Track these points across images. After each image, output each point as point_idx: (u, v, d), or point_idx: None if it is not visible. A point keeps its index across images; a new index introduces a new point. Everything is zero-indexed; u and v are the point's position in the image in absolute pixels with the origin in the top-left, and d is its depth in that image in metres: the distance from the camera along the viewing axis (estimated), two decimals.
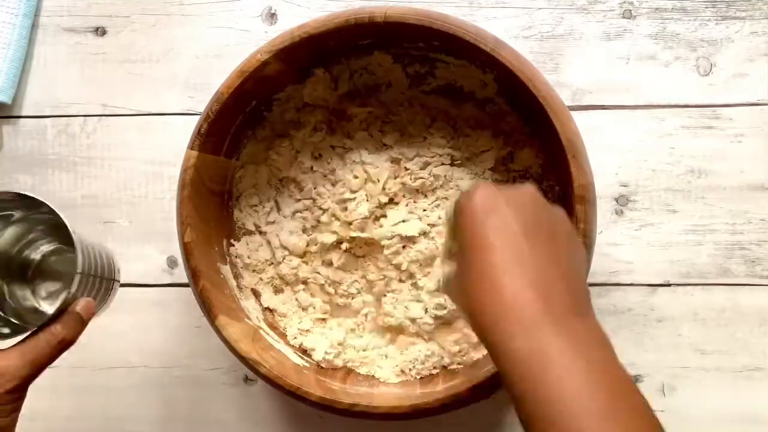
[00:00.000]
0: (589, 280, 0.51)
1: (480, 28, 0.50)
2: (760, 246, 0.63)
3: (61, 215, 0.45)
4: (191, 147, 0.53)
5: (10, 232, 0.51)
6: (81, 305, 0.46)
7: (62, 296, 0.45)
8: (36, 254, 0.53)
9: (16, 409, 0.45)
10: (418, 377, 0.56)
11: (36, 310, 0.52)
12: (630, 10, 0.64)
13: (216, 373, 0.65)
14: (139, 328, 0.66)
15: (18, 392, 0.44)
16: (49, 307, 0.52)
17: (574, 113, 0.50)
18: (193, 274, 0.53)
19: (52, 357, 0.45)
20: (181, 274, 0.61)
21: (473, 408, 0.51)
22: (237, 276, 0.58)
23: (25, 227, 0.51)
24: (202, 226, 0.54)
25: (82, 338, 0.66)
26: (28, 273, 0.53)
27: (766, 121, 0.63)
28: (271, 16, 0.66)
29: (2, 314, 0.50)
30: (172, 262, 0.65)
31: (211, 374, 0.65)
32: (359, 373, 0.57)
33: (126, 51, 0.66)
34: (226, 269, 0.57)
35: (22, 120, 0.67)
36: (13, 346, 0.45)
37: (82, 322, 0.46)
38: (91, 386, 0.66)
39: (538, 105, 0.49)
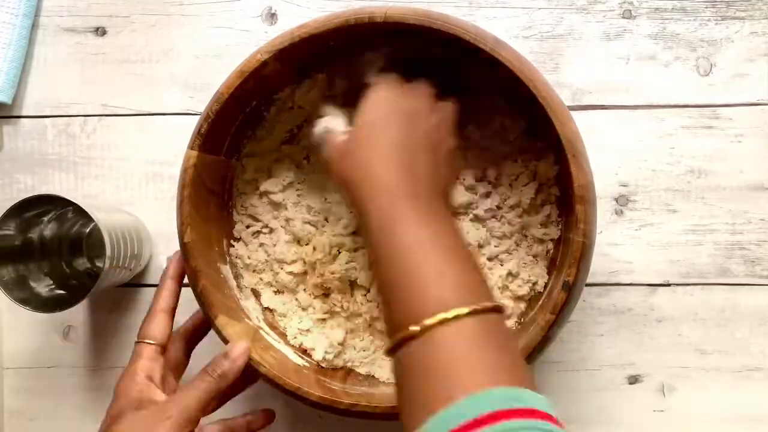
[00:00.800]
0: (589, 280, 0.51)
1: (480, 28, 0.50)
2: (760, 246, 0.63)
3: (86, 208, 0.55)
4: (191, 147, 0.53)
5: (54, 223, 0.62)
6: (237, 351, 0.51)
7: (104, 258, 0.56)
8: (85, 229, 0.65)
9: None
10: None
11: (91, 272, 0.65)
12: (630, 10, 0.64)
13: None
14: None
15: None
16: (100, 265, 0.64)
17: (574, 113, 0.50)
18: (193, 274, 0.53)
19: (216, 391, 0.51)
20: None
21: None
22: (237, 276, 0.58)
23: (64, 217, 0.62)
24: (202, 226, 0.54)
25: (82, 338, 0.66)
26: (81, 245, 0.65)
27: (766, 121, 0.63)
28: (271, 16, 0.66)
29: (62, 285, 0.62)
30: None
31: None
32: (359, 373, 0.57)
33: (126, 51, 0.66)
34: (226, 269, 0.57)
35: (22, 120, 0.67)
36: (186, 389, 0.50)
37: (238, 368, 0.51)
38: (91, 386, 0.66)
39: (538, 105, 0.49)
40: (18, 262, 0.58)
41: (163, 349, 0.54)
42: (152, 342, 0.53)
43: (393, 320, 0.42)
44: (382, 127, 0.48)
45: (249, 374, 0.53)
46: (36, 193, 0.56)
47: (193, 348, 0.57)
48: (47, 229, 0.61)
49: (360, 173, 0.46)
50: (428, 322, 0.39)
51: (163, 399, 0.51)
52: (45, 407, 0.66)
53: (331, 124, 0.52)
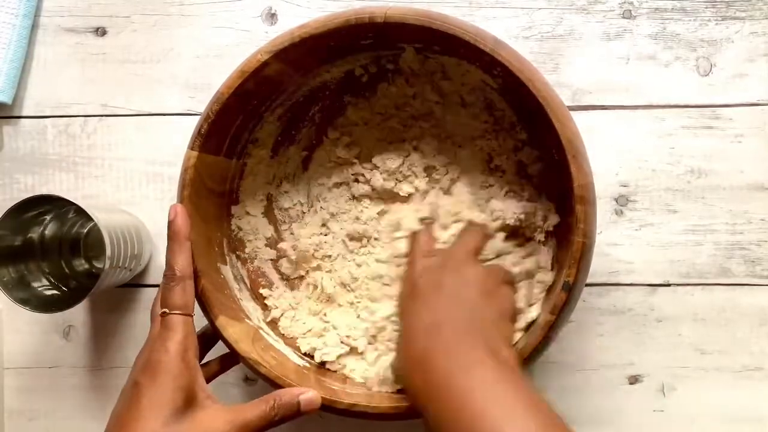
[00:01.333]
0: (589, 280, 0.51)
1: (480, 29, 0.50)
2: (760, 246, 0.63)
3: (86, 209, 0.55)
4: (191, 147, 0.53)
5: (53, 224, 0.62)
6: (307, 400, 0.50)
7: (104, 259, 0.55)
8: (83, 229, 0.65)
9: None
10: None
11: (91, 272, 0.65)
12: (630, 10, 0.64)
13: None
14: (140, 328, 0.66)
15: None
16: (99, 266, 0.65)
17: (574, 113, 0.50)
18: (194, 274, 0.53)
19: (266, 427, 0.48)
20: None
21: None
22: (237, 276, 0.58)
23: (64, 217, 0.62)
24: (202, 226, 0.54)
25: (82, 338, 0.66)
26: (81, 245, 0.65)
27: (766, 121, 0.63)
28: (272, 16, 0.66)
29: (61, 285, 0.61)
30: None
31: None
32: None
33: (126, 51, 0.66)
34: (226, 269, 0.57)
35: (22, 120, 0.67)
36: (248, 406, 0.48)
37: (299, 411, 0.50)
38: (90, 386, 0.66)
39: (538, 105, 0.49)
40: (18, 262, 0.58)
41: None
42: (182, 313, 0.49)
43: None
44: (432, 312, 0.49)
45: (231, 357, 0.52)
46: (36, 194, 0.56)
47: (205, 353, 0.55)
48: (47, 229, 0.61)
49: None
50: None
51: (210, 398, 0.48)
52: (45, 407, 0.66)
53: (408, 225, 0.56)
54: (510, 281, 0.53)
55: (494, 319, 0.49)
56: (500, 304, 0.50)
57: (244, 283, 0.59)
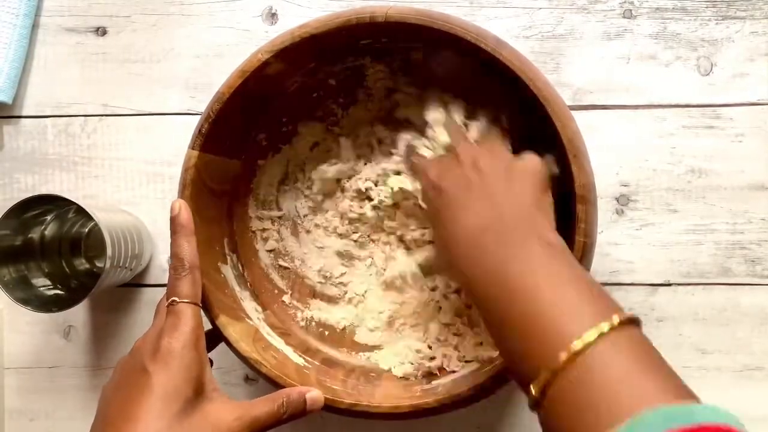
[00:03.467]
0: None
1: (481, 28, 0.50)
2: (761, 246, 0.63)
3: (87, 208, 0.55)
4: (192, 147, 0.53)
5: (54, 223, 0.62)
6: (312, 398, 0.50)
7: (105, 258, 0.55)
8: (84, 229, 0.65)
9: None
10: (419, 374, 0.56)
11: (91, 272, 0.65)
12: (630, 10, 0.64)
13: (216, 372, 0.65)
14: (140, 328, 0.66)
15: None
16: (100, 266, 0.64)
17: (574, 113, 0.50)
18: None
19: (273, 425, 0.48)
20: None
21: (473, 407, 0.51)
22: (238, 276, 0.58)
23: (65, 217, 0.62)
24: (203, 226, 0.54)
25: (82, 338, 0.66)
26: (81, 245, 0.65)
27: (766, 120, 0.63)
28: (272, 16, 0.66)
29: (62, 285, 0.61)
30: None
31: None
32: (360, 372, 0.57)
33: (126, 51, 0.66)
34: (226, 269, 0.57)
35: (22, 120, 0.67)
36: (255, 402, 0.48)
37: (305, 410, 0.49)
38: (91, 386, 0.66)
39: (539, 105, 0.49)
40: (18, 262, 0.58)
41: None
42: (192, 302, 0.48)
43: (529, 365, 0.39)
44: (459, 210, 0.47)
45: (214, 338, 0.52)
46: (36, 193, 0.56)
47: (209, 351, 0.52)
48: (48, 228, 0.61)
49: (460, 230, 0.46)
50: (575, 347, 0.37)
51: (216, 390, 0.47)
52: (45, 407, 0.66)
53: (417, 144, 0.55)
54: (540, 165, 0.49)
55: (532, 204, 0.47)
56: (534, 188, 0.48)
57: (245, 283, 0.59)
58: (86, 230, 0.65)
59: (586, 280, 0.41)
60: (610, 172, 0.63)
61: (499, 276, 0.42)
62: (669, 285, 0.63)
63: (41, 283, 0.60)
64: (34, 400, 0.66)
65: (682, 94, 0.63)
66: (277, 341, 0.56)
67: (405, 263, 0.59)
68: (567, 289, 0.40)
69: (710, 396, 0.62)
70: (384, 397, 0.53)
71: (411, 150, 0.56)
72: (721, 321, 0.63)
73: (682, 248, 0.63)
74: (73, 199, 0.56)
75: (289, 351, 0.56)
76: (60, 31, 0.67)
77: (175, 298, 0.48)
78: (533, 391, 0.38)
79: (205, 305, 0.52)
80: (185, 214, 0.50)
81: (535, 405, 0.38)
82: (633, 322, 0.38)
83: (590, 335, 0.37)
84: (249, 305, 0.57)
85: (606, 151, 0.63)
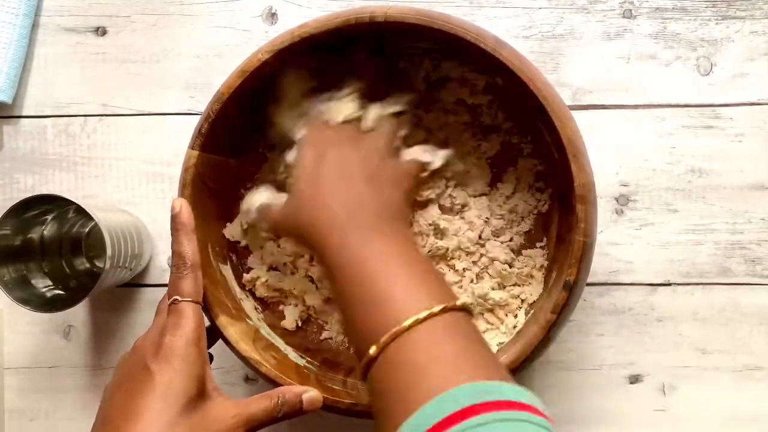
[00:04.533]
0: (590, 279, 0.52)
1: (481, 28, 0.50)
2: (761, 245, 0.63)
3: (87, 208, 0.55)
4: (192, 147, 0.53)
5: (54, 223, 0.62)
6: (309, 398, 0.50)
7: (105, 258, 0.55)
8: (84, 229, 0.65)
9: None
10: None
11: (91, 272, 0.65)
12: (630, 10, 0.64)
13: (216, 372, 0.65)
14: (139, 328, 0.66)
15: None
16: (100, 266, 0.64)
17: (574, 113, 0.50)
18: None
19: (269, 422, 0.48)
20: None
21: None
22: (238, 276, 0.59)
23: (65, 217, 0.62)
24: (203, 225, 0.54)
25: (82, 338, 0.66)
26: (81, 244, 0.65)
27: (766, 120, 0.63)
28: (272, 16, 0.66)
29: (62, 285, 0.61)
30: None
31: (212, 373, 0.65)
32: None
33: (126, 51, 0.66)
34: (226, 269, 0.57)
35: (22, 120, 0.67)
36: (255, 400, 0.48)
37: (302, 410, 0.49)
38: (91, 386, 0.66)
39: (539, 105, 0.49)
40: (18, 262, 0.58)
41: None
42: (194, 301, 0.48)
43: (361, 340, 0.42)
44: (317, 174, 0.49)
45: (213, 334, 0.52)
46: (36, 193, 0.56)
47: (208, 348, 0.53)
48: (48, 228, 0.61)
49: (306, 220, 0.48)
50: (402, 325, 0.39)
51: (216, 389, 0.48)
52: (45, 407, 0.66)
53: (263, 198, 0.54)
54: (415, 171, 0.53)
55: (401, 200, 0.51)
56: (404, 191, 0.51)
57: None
58: (86, 230, 0.65)
59: (430, 269, 0.45)
60: (609, 172, 0.63)
61: (357, 257, 0.44)
62: (669, 285, 0.63)
63: (41, 283, 0.60)
64: (34, 400, 0.66)
65: (681, 94, 0.63)
66: (277, 341, 0.56)
67: None
68: (411, 272, 0.43)
69: (710, 396, 0.63)
70: None
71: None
72: (721, 321, 0.63)
73: (682, 248, 0.63)
74: (73, 199, 0.56)
75: (289, 351, 0.56)
76: (60, 31, 0.67)
77: (177, 297, 0.48)
78: (363, 362, 0.41)
79: (205, 305, 0.52)
80: (186, 212, 0.51)
81: (362, 379, 0.41)
82: (464, 309, 0.42)
83: (421, 314, 0.39)
84: (249, 305, 0.57)
85: (605, 150, 0.63)
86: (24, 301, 0.56)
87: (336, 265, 0.45)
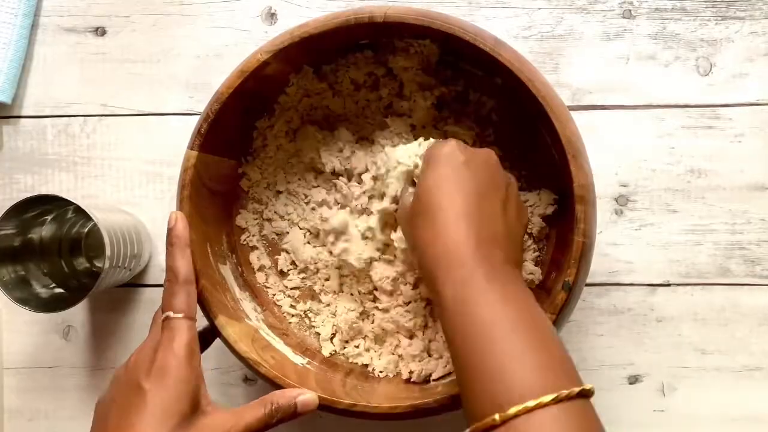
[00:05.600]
0: (589, 279, 0.51)
1: (480, 28, 0.50)
2: (760, 246, 0.63)
3: (86, 209, 0.55)
4: (191, 147, 0.53)
5: (53, 224, 0.62)
6: (303, 402, 0.49)
7: (104, 258, 0.55)
8: (83, 229, 0.65)
9: None
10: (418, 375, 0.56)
11: (90, 272, 0.65)
12: (630, 10, 0.64)
13: (216, 373, 0.65)
14: (140, 328, 0.66)
15: None
16: (99, 265, 0.64)
17: (573, 113, 0.51)
18: None
19: (265, 429, 0.48)
20: None
21: None
22: (237, 276, 0.58)
23: (64, 217, 0.62)
24: (202, 226, 0.54)
25: (82, 338, 0.66)
26: (81, 245, 0.65)
27: (766, 121, 0.63)
28: (271, 16, 0.66)
29: (61, 285, 0.61)
30: None
31: (211, 374, 0.65)
32: (360, 372, 0.57)
33: (126, 51, 0.66)
34: (225, 269, 0.57)
35: (22, 120, 0.67)
36: (249, 408, 0.48)
37: (296, 413, 0.49)
38: (91, 386, 0.66)
39: (538, 105, 0.49)
40: (18, 262, 0.58)
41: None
42: (187, 316, 0.48)
43: (473, 407, 0.40)
44: (452, 189, 0.45)
45: (210, 334, 0.52)
46: (36, 193, 0.56)
47: (202, 351, 0.53)
48: (47, 229, 0.61)
49: (430, 237, 0.44)
50: (511, 411, 0.37)
51: (210, 404, 0.47)
52: (45, 407, 0.66)
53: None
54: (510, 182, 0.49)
55: (516, 231, 0.47)
56: (522, 216, 0.48)
57: (244, 283, 0.59)
58: (86, 230, 0.65)
59: (553, 339, 0.41)
60: (609, 172, 0.63)
61: (467, 299, 0.42)
62: (668, 285, 0.63)
63: (40, 283, 0.60)
64: (34, 400, 0.66)
65: (681, 94, 0.63)
66: (276, 341, 0.56)
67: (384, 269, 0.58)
68: (530, 340, 0.40)
69: (710, 396, 0.63)
70: (383, 397, 0.53)
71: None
72: (720, 321, 0.63)
73: (682, 248, 0.63)
74: (72, 200, 0.56)
75: (288, 351, 0.56)
76: (59, 31, 0.67)
77: (170, 313, 0.48)
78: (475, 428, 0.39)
79: (204, 305, 0.53)
80: (181, 226, 0.51)
81: None
82: (584, 395, 0.39)
83: (530, 402, 0.37)
84: (248, 305, 0.57)
85: (605, 151, 0.63)
86: (23, 302, 0.56)
87: (455, 319, 0.42)
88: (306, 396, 0.49)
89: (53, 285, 0.61)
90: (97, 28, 0.67)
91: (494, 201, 0.46)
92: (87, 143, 0.66)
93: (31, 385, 0.66)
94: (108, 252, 0.55)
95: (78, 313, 0.66)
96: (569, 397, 0.38)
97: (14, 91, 0.66)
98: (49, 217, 0.61)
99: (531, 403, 0.37)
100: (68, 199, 0.56)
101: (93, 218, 0.55)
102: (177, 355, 0.46)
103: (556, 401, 0.37)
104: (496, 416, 0.37)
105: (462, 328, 0.41)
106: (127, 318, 0.66)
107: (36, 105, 0.67)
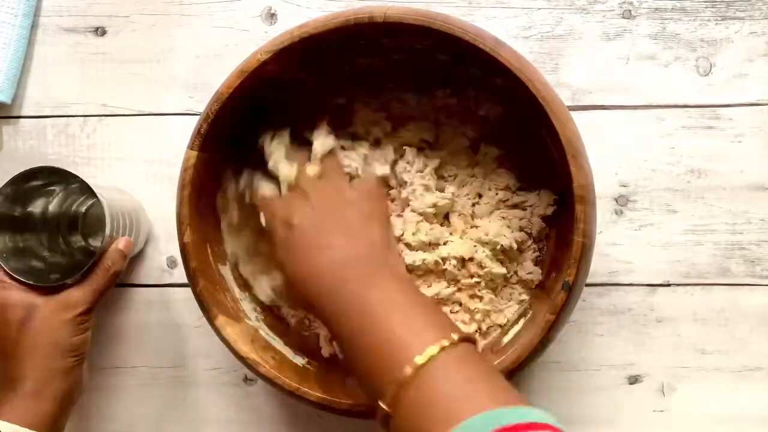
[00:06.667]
0: (589, 280, 0.51)
1: (480, 29, 0.50)
2: (760, 246, 0.63)
3: (89, 183, 0.56)
4: (191, 147, 0.53)
5: (58, 198, 0.62)
6: (122, 243, 0.58)
7: (102, 236, 0.56)
8: (82, 207, 0.65)
9: (87, 329, 0.57)
10: None
11: (86, 250, 0.65)
12: (630, 10, 0.64)
13: (216, 373, 0.65)
14: (139, 328, 0.66)
15: (87, 315, 0.56)
16: (95, 244, 0.65)
17: (573, 113, 0.50)
18: (193, 274, 0.53)
19: (107, 286, 0.57)
20: (181, 274, 0.61)
21: None
22: (236, 277, 0.58)
23: (68, 193, 0.62)
24: (202, 226, 0.54)
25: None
26: (78, 222, 0.66)
27: (765, 121, 0.63)
28: (271, 16, 0.66)
29: (57, 260, 0.62)
30: (171, 262, 0.65)
31: (211, 374, 0.65)
32: None
33: (126, 51, 0.66)
34: (225, 269, 0.57)
35: (22, 120, 0.67)
36: (80, 281, 0.56)
37: (124, 257, 0.58)
38: (90, 386, 0.66)
39: (538, 105, 0.49)
40: (16, 232, 0.58)
41: None
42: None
43: (380, 381, 0.43)
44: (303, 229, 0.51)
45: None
46: (39, 165, 0.56)
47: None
48: (48, 203, 0.61)
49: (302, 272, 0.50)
50: (419, 361, 0.41)
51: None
52: None
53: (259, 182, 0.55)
54: (375, 189, 0.55)
55: (383, 240, 0.52)
56: (380, 222, 0.53)
57: (244, 284, 0.59)
58: (84, 209, 0.65)
59: (431, 307, 0.48)
60: (609, 172, 0.63)
61: (360, 306, 0.46)
62: (668, 285, 0.63)
63: (37, 255, 0.60)
64: None
65: (681, 94, 0.63)
66: (276, 341, 0.56)
67: None
68: (415, 313, 0.45)
69: (710, 396, 0.63)
70: None
71: (250, 185, 0.56)
72: (720, 321, 0.63)
73: (682, 248, 0.63)
74: (77, 174, 0.56)
75: (288, 351, 0.56)
76: (59, 31, 0.67)
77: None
78: (383, 405, 0.42)
79: (204, 305, 0.53)
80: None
81: (384, 419, 0.42)
82: (469, 339, 0.44)
83: (432, 350, 0.41)
84: (248, 306, 0.57)
85: (605, 151, 0.63)
86: (18, 272, 0.56)
87: (343, 315, 0.47)
88: (120, 242, 0.57)
89: (50, 258, 0.61)
90: (97, 28, 0.67)
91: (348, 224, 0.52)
92: (87, 143, 0.66)
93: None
94: (107, 231, 0.56)
95: None
96: (461, 340, 0.43)
97: (14, 91, 0.66)
98: (51, 190, 0.61)
99: (434, 349, 0.41)
100: (72, 173, 0.56)
101: (96, 194, 0.55)
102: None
103: (455, 344, 0.42)
104: (407, 369, 0.41)
105: (350, 320, 0.46)
106: (127, 318, 0.66)
107: (36, 105, 0.67)
